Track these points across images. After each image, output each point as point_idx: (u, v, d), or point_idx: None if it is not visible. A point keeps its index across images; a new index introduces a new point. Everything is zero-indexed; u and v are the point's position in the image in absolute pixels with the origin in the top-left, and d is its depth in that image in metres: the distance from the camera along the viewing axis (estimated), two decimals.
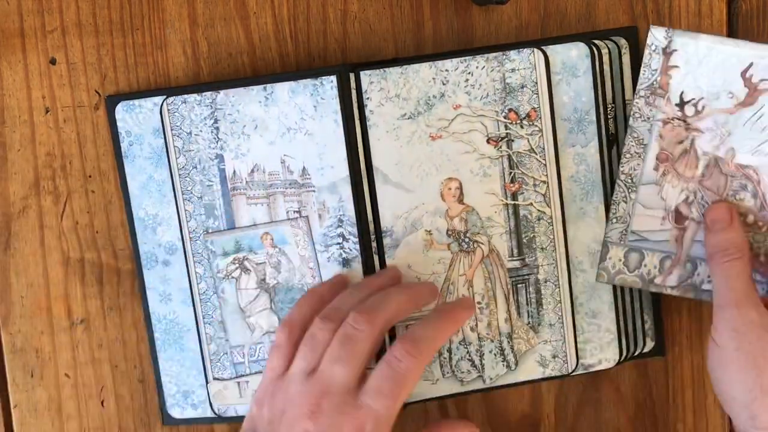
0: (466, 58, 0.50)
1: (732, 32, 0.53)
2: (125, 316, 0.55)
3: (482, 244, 0.52)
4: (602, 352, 0.52)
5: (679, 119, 0.49)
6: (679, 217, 0.51)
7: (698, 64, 0.48)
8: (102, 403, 0.55)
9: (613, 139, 0.52)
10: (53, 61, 0.53)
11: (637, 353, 0.53)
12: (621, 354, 0.52)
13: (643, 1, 0.52)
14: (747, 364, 0.44)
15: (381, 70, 0.50)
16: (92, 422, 0.55)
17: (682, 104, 0.49)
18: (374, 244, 0.52)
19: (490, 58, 0.50)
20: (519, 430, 0.55)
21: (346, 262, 0.52)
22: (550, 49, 0.50)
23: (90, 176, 0.54)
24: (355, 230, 0.51)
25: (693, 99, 0.49)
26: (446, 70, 0.50)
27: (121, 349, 0.55)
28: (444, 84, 0.50)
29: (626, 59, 0.52)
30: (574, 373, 0.52)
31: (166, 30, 0.53)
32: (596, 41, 0.51)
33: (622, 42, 0.52)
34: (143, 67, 0.53)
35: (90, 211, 0.54)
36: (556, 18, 0.53)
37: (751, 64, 0.48)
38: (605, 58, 0.51)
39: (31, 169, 0.54)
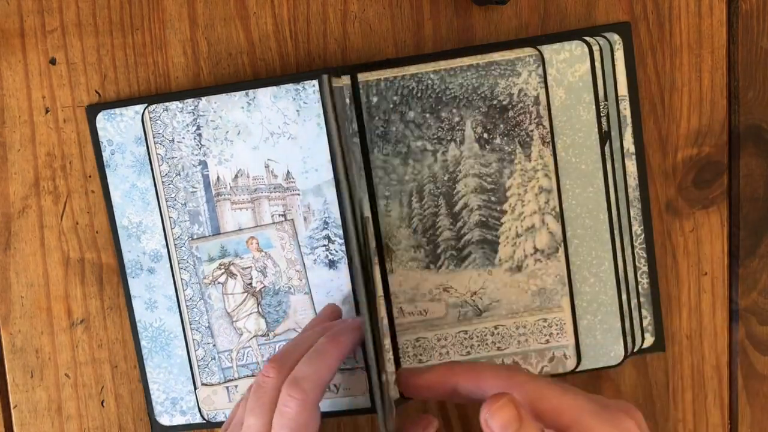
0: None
1: (732, 32, 0.53)
2: (125, 316, 0.55)
3: None
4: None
5: None
6: None
7: None
8: (102, 403, 0.55)
9: (606, 137, 0.51)
10: (53, 61, 0.53)
11: (636, 349, 0.53)
12: (626, 352, 0.52)
13: (643, 1, 0.52)
14: None
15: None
16: (92, 422, 0.55)
17: None
18: None
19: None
20: None
21: (332, 264, 0.52)
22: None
23: (90, 176, 0.54)
24: (340, 232, 0.52)
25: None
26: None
27: (121, 349, 0.55)
28: None
29: (619, 55, 0.51)
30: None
31: (166, 30, 0.53)
32: (588, 38, 0.50)
33: (615, 38, 0.51)
34: (143, 67, 0.53)
35: (90, 211, 0.54)
36: (556, 18, 0.53)
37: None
38: (597, 55, 0.50)
39: (31, 169, 0.54)
